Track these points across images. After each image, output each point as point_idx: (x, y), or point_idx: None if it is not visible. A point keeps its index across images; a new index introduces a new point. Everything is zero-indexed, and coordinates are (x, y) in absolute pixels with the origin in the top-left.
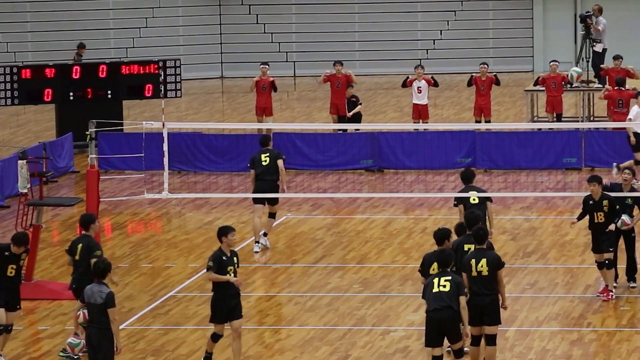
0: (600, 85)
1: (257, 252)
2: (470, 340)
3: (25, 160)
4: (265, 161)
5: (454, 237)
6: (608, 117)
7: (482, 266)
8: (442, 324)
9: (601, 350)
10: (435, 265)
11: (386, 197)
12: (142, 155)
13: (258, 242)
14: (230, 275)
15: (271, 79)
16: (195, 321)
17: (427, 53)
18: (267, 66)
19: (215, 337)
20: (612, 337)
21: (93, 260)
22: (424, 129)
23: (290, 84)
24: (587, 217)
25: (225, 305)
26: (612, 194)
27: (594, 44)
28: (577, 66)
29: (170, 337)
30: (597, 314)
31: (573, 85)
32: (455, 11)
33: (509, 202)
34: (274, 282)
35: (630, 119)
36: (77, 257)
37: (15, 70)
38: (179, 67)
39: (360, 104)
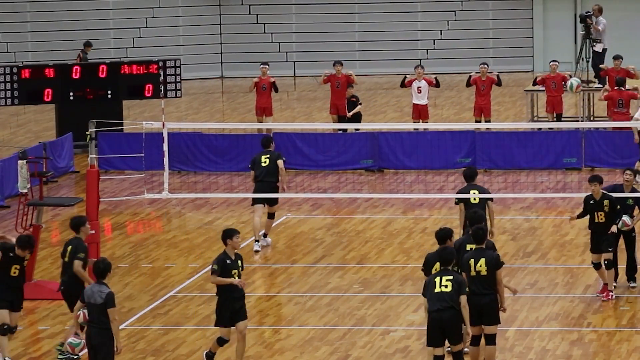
0: (600, 85)
1: (257, 250)
2: (470, 340)
3: (25, 160)
4: (265, 162)
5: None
6: (608, 117)
7: (480, 266)
8: (444, 325)
9: (601, 350)
10: (438, 264)
11: (386, 197)
12: (142, 155)
13: (258, 240)
14: (235, 278)
15: (272, 79)
16: (195, 321)
17: (427, 53)
18: (267, 66)
19: (221, 342)
20: (612, 337)
21: (75, 262)
22: (424, 129)
23: (290, 84)
24: (588, 216)
25: (230, 308)
26: (614, 194)
27: (594, 44)
28: (577, 66)
29: (170, 337)
30: (597, 314)
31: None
32: (455, 11)
33: (509, 202)
34: (274, 282)
35: (637, 119)
36: (66, 259)
37: (15, 70)
38: (179, 67)
39: (360, 104)
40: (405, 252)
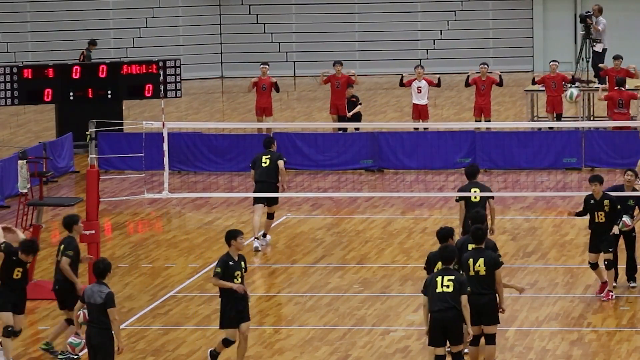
0: (600, 85)
1: (256, 247)
2: (470, 339)
3: (25, 160)
4: (266, 162)
5: (457, 236)
6: (608, 117)
7: (479, 266)
8: (446, 325)
9: (601, 350)
10: (440, 264)
11: (386, 197)
12: (142, 155)
13: (257, 238)
14: (237, 280)
15: (273, 79)
16: (195, 321)
17: (427, 53)
18: (267, 66)
19: (227, 343)
20: (612, 337)
21: (63, 259)
22: (424, 129)
23: (290, 84)
24: (588, 216)
25: (234, 308)
26: (614, 194)
27: (594, 44)
28: (577, 66)
29: (170, 337)
30: (597, 314)
31: (570, 100)
32: (455, 11)
33: (509, 202)
34: (274, 282)
35: None
36: (58, 259)
37: (15, 70)
38: (179, 67)
39: (360, 104)
40: (405, 252)
